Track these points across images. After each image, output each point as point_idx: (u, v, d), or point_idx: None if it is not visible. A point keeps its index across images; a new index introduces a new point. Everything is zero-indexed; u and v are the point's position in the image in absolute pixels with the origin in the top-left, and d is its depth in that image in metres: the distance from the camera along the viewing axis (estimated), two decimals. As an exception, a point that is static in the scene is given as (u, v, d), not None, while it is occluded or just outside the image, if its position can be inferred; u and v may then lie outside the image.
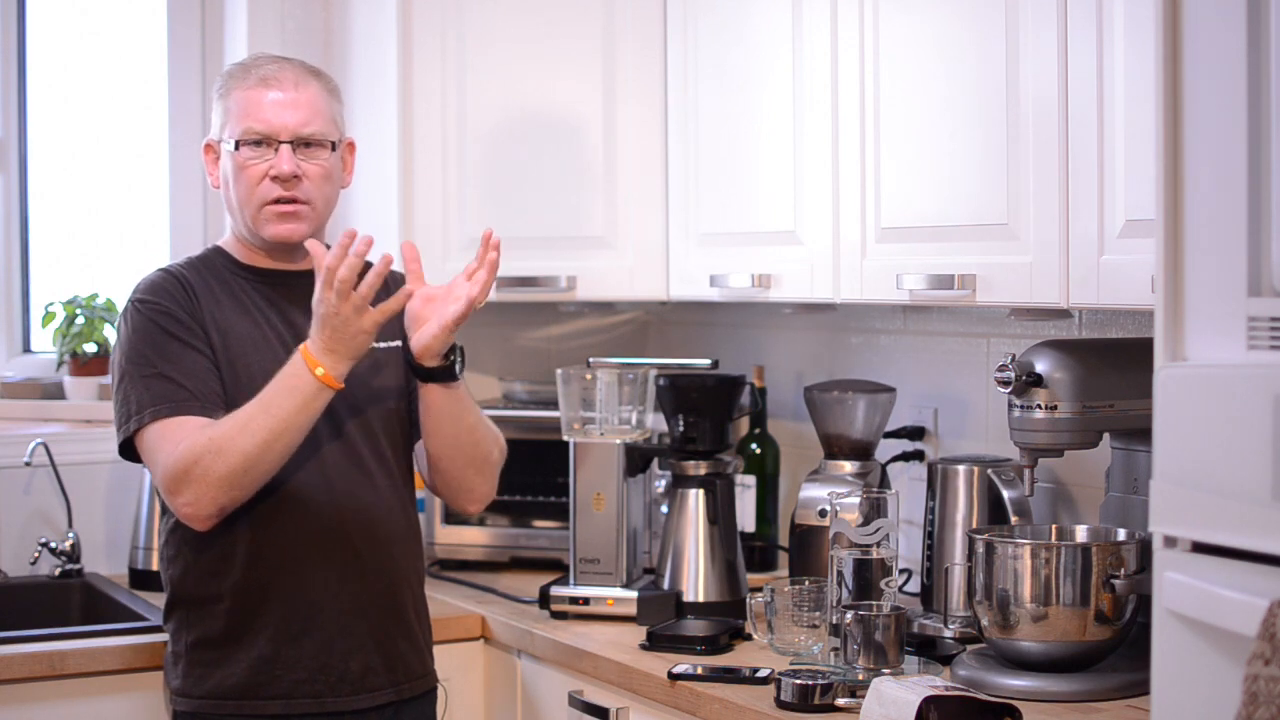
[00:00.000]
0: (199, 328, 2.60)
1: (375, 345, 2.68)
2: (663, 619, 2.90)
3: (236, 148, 2.62)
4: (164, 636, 2.71)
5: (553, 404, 3.24)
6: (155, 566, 3.33)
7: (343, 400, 2.63)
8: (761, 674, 2.54)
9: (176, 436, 2.50)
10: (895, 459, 3.15)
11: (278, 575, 2.59)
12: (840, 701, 2.37)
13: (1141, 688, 2.29)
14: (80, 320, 3.70)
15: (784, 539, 3.32)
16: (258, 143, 2.62)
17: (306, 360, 2.48)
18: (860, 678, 2.42)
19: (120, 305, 3.70)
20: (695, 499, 3.02)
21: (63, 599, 3.37)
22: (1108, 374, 2.48)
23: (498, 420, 2.81)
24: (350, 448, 2.64)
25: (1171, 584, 1.75)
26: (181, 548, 2.61)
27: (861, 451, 3.03)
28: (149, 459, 2.56)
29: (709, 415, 3.03)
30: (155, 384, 2.55)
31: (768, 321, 3.57)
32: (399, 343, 2.72)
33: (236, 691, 2.60)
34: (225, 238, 2.75)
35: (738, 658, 2.71)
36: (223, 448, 2.46)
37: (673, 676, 2.57)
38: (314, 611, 2.60)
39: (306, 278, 2.69)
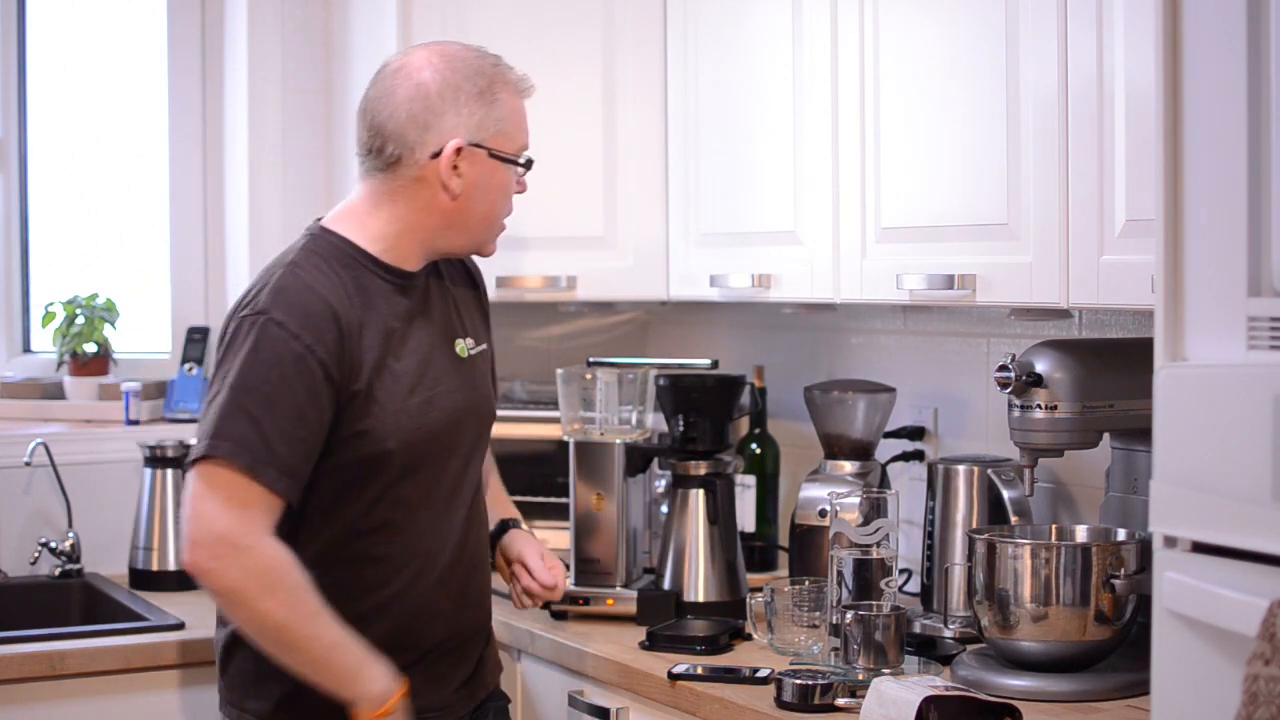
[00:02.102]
0: (332, 382, 2.30)
1: (471, 351, 2.51)
2: (663, 619, 2.90)
3: (529, 166, 2.48)
4: (163, 636, 2.69)
5: (553, 404, 3.23)
6: (155, 566, 3.34)
7: (473, 421, 2.50)
8: (761, 674, 2.54)
9: (243, 513, 2.24)
10: (895, 459, 3.15)
11: (392, 606, 2.41)
12: (840, 701, 2.37)
13: (1141, 688, 2.29)
14: (80, 320, 3.70)
15: (784, 539, 3.32)
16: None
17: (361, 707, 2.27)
18: (860, 678, 2.42)
19: (120, 304, 3.74)
20: (695, 499, 3.02)
21: (63, 599, 3.37)
22: (1108, 374, 2.48)
23: (497, 420, 2.80)
24: (472, 477, 2.51)
25: (1171, 584, 1.75)
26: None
27: (861, 451, 3.03)
28: (201, 494, 2.25)
29: (709, 415, 3.02)
30: (244, 423, 2.26)
31: (768, 321, 3.57)
32: (485, 346, 2.59)
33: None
34: (350, 229, 2.41)
35: (738, 658, 2.70)
36: (263, 606, 2.24)
37: (673, 676, 2.57)
38: (418, 639, 2.44)
39: (422, 280, 2.48)
